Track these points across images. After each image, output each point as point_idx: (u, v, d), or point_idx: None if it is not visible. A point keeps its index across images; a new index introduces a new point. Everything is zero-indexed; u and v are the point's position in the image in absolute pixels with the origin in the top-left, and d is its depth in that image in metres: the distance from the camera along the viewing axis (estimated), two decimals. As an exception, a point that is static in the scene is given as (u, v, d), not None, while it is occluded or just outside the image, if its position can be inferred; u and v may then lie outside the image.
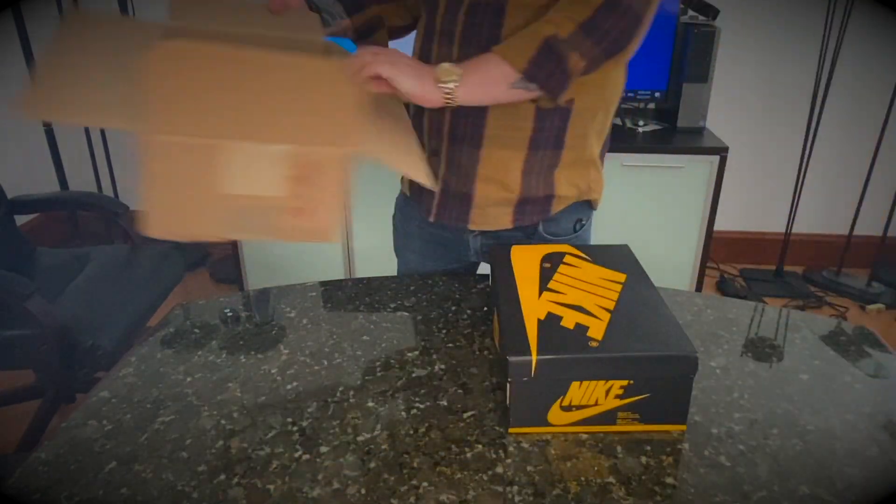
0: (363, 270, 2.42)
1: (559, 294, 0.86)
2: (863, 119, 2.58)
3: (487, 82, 0.90)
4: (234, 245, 2.41)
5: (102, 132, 2.77)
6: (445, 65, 0.87)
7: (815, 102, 2.45)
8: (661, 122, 2.34)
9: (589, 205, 1.13)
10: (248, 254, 2.42)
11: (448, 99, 0.87)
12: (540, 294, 0.85)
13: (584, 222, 1.14)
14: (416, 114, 1.07)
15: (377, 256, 2.40)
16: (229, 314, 1.01)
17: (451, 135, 1.03)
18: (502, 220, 1.08)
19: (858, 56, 2.48)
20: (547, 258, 0.95)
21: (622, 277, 0.90)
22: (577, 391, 0.74)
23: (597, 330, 0.77)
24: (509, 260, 0.95)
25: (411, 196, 1.17)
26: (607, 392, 0.75)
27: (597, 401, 0.75)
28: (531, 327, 0.78)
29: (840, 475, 0.69)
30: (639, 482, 0.68)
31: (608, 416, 0.76)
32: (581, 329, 0.77)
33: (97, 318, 1.61)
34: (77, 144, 2.83)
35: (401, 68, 0.84)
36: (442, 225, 1.13)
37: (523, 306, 0.82)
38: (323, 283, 1.11)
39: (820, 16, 2.39)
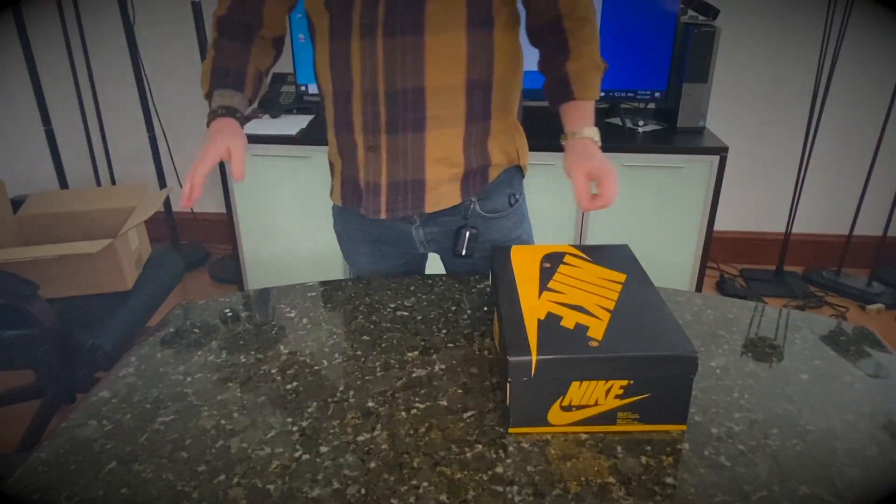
0: (363, 270, 2.41)
1: (559, 294, 0.86)
2: (863, 119, 2.58)
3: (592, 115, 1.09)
4: (234, 245, 2.41)
5: (102, 132, 2.77)
6: (594, 136, 1.05)
7: (815, 102, 2.45)
8: (661, 122, 2.34)
9: (519, 173, 1.17)
10: (248, 254, 2.43)
11: None
12: (540, 294, 0.85)
13: (517, 196, 1.17)
14: (344, 111, 1.08)
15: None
16: (229, 314, 1.01)
17: (389, 126, 1.05)
18: (452, 196, 1.11)
19: (858, 56, 2.48)
20: (547, 258, 0.95)
21: (622, 277, 0.90)
22: (577, 391, 0.74)
23: (597, 330, 0.77)
24: (509, 260, 0.95)
25: (345, 205, 1.17)
26: (607, 392, 0.75)
27: (597, 401, 0.75)
28: (531, 327, 0.78)
29: (840, 475, 0.69)
30: (639, 482, 0.68)
31: (608, 416, 0.76)
32: (581, 329, 0.77)
33: (97, 318, 1.61)
34: (77, 144, 2.83)
35: (614, 179, 1.00)
36: (381, 222, 1.14)
37: (523, 306, 0.82)
38: (323, 283, 1.11)
39: (820, 16, 2.39)
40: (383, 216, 1.11)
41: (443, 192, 1.10)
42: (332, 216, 1.26)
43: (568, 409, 0.75)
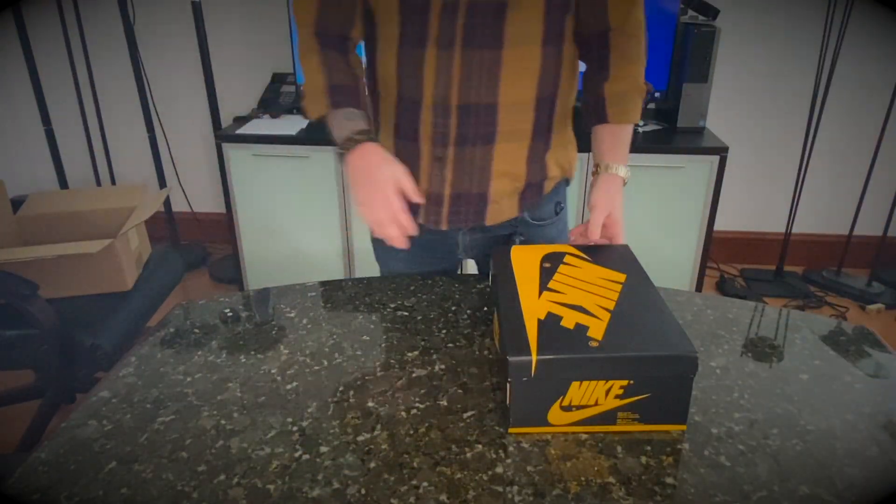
0: (363, 270, 2.42)
1: (559, 294, 0.85)
2: (863, 119, 2.58)
3: (629, 144, 1.08)
4: (234, 245, 2.41)
5: (102, 132, 2.77)
6: (625, 176, 1.04)
7: (815, 102, 2.45)
8: (661, 122, 2.34)
9: (566, 183, 1.18)
10: (248, 254, 2.43)
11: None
12: (540, 294, 0.85)
13: (562, 204, 1.18)
14: (410, 119, 1.04)
15: (377, 256, 2.40)
16: (229, 314, 1.01)
17: (458, 138, 1.03)
18: (511, 210, 1.11)
19: (858, 56, 2.48)
20: (547, 258, 0.95)
21: (622, 277, 0.90)
22: (578, 391, 0.74)
23: (597, 330, 0.77)
24: (509, 260, 0.95)
25: None
26: (607, 392, 0.75)
27: (597, 401, 0.75)
28: (531, 327, 0.78)
29: (840, 475, 0.69)
30: (639, 482, 0.68)
31: (608, 416, 0.76)
32: (581, 329, 0.77)
33: (97, 318, 1.61)
34: (77, 144, 2.83)
35: (622, 231, 1.02)
36: (430, 229, 1.12)
37: (523, 306, 0.82)
38: (323, 283, 1.11)
39: (820, 16, 2.39)
40: (444, 227, 1.10)
41: (503, 205, 1.10)
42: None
43: (568, 408, 0.75)
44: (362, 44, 1.10)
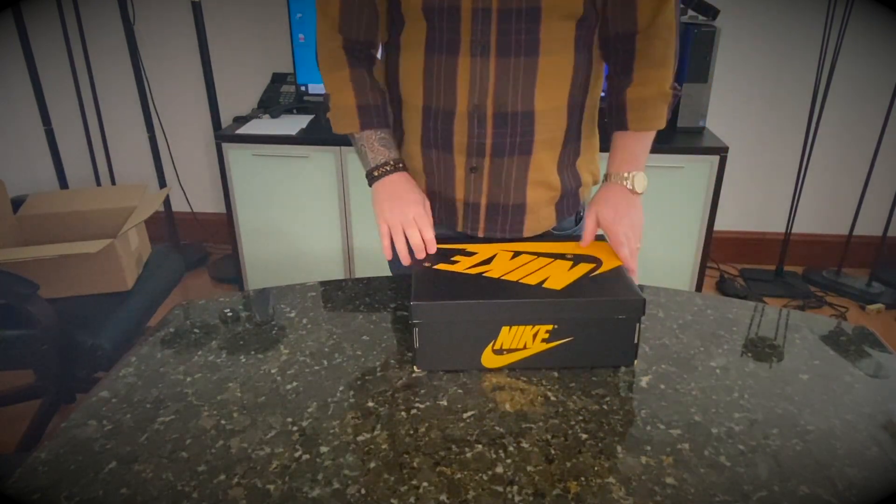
0: (363, 270, 2.42)
1: (492, 269, 0.90)
2: (863, 119, 2.58)
3: (647, 151, 1.05)
4: (234, 245, 2.41)
5: (102, 132, 2.77)
6: (638, 178, 1.02)
7: (815, 102, 2.45)
8: (661, 122, 2.34)
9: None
10: (248, 254, 2.43)
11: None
12: (470, 267, 0.91)
13: (581, 213, 1.16)
14: (440, 129, 1.02)
15: (377, 256, 2.40)
16: (229, 314, 1.01)
17: (495, 148, 1.01)
18: (549, 220, 1.10)
19: (858, 56, 2.48)
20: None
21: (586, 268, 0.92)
22: (507, 335, 0.82)
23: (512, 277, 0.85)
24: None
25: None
26: (534, 336, 0.82)
27: (525, 345, 0.82)
28: (438, 278, 0.86)
29: (840, 475, 0.69)
30: (639, 482, 0.68)
31: (539, 359, 0.83)
32: (491, 279, 0.85)
33: (97, 318, 1.61)
34: (77, 144, 2.83)
35: (621, 245, 0.97)
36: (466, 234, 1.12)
37: (442, 268, 0.89)
38: (323, 283, 1.11)
39: (820, 16, 2.39)
40: (480, 234, 1.09)
41: (541, 215, 1.09)
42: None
43: (500, 352, 0.83)
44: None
